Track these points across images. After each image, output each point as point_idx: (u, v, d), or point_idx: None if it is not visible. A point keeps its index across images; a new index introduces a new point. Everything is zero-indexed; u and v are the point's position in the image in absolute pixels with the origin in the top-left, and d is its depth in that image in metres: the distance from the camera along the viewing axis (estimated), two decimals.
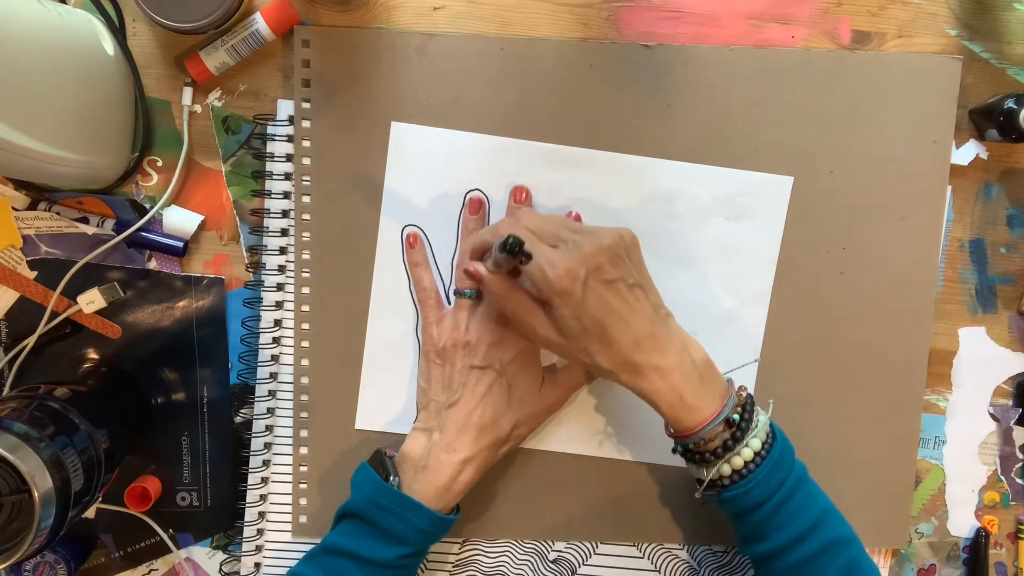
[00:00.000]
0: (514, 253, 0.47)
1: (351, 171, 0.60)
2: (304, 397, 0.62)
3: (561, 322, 0.51)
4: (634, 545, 0.64)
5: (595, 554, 0.64)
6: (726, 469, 0.52)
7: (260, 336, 0.62)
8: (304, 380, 0.62)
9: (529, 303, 0.53)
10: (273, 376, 0.62)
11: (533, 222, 0.53)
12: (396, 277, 0.61)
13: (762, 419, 0.52)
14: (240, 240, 0.62)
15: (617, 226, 0.52)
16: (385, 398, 0.62)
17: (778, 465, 0.52)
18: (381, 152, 0.60)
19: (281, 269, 0.62)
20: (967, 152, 0.63)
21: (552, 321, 0.52)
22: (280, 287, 0.62)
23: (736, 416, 0.52)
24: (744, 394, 0.53)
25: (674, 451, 0.55)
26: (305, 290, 0.61)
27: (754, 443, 0.51)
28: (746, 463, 0.51)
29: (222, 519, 0.64)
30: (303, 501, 0.63)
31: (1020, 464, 0.66)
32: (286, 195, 0.61)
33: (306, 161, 0.60)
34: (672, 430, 0.54)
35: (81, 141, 0.55)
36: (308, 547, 0.59)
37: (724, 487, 0.52)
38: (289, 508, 0.63)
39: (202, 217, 0.62)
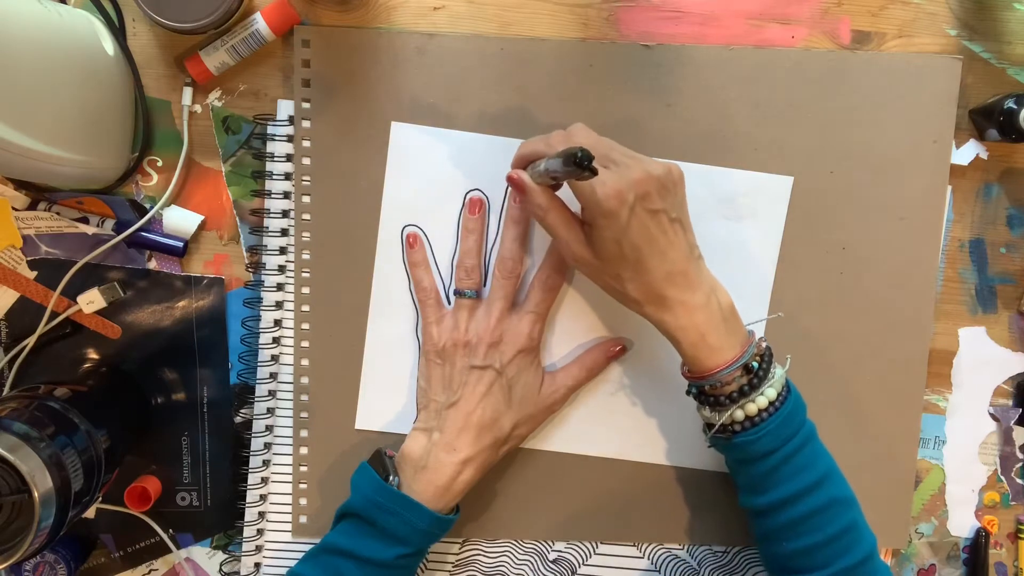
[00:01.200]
0: (583, 166, 0.45)
1: (351, 171, 0.60)
2: (304, 397, 0.62)
3: (600, 243, 0.51)
4: (634, 545, 0.64)
5: (595, 554, 0.64)
6: (739, 415, 0.52)
7: (260, 336, 0.62)
8: (304, 380, 0.62)
9: (570, 218, 0.53)
10: (273, 376, 0.62)
11: (588, 139, 0.52)
12: (396, 277, 0.61)
13: (779, 372, 0.53)
14: (240, 240, 0.62)
15: (667, 160, 0.52)
16: (385, 398, 0.62)
17: (790, 418, 0.52)
18: (381, 152, 0.60)
19: (281, 269, 0.62)
20: (967, 152, 0.63)
21: (590, 241, 0.52)
22: (280, 287, 0.62)
23: (755, 364, 0.52)
24: (764, 345, 0.53)
25: (688, 392, 0.55)
26: (305, 290, 0.61)
27: (769, 392, 0.51)
28: (760, 411, 0.51)
29: (222, 519, 0.64)
30: (303, 501, 0.63)
31: (1020, 464, 0.66)
32: (286, 195, 0.61)
33: (306, 161, 0.60)
34: (688, 370, 0.54)
35: (81, 141, 0.55)
36: (308, 547, 0.59)
37: (735, 432, 0.52)
38: (289, 508, 0.63)
39: (202, 217, 0.62)
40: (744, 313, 0.61)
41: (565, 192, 0.54)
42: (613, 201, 0.49)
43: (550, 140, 0.53)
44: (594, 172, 0.45)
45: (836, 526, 0.52)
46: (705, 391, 0.53)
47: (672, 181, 0.51)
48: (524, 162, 0.55)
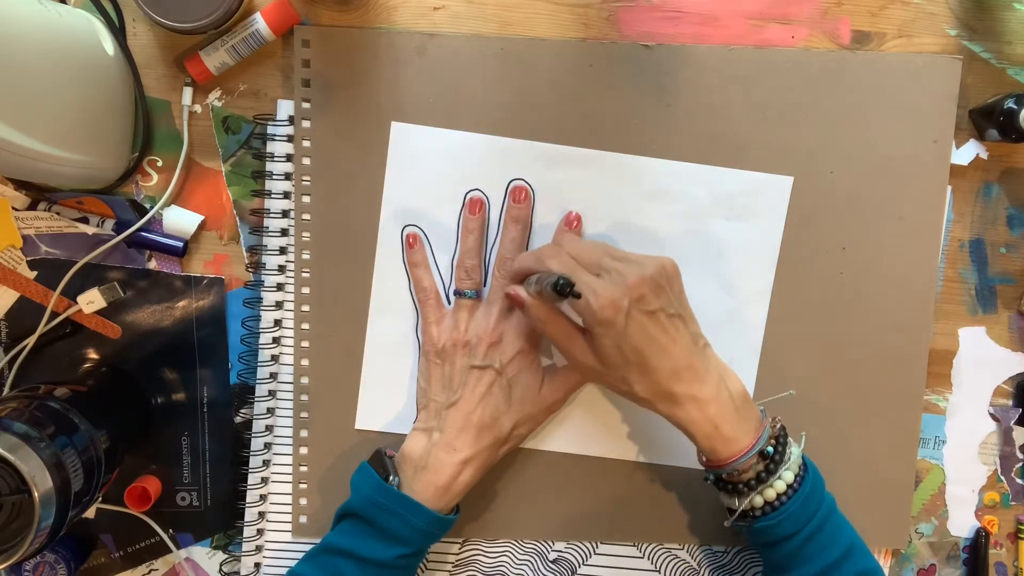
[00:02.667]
0: (565, 294, 0.47)
1: (351, 171, 0.60)
2: (304, 397, 0.62)
3: (602, 350, 0.52)
4: (634, 545, 0.64)
5: (595, 554, 0.64)
6: (758, 500, 0.52)
7: (260, 336, 0.62)
8: (304, 380, 0.62)
9: (570, 329, 0.54)
10: (273, 376, 0.62)
11: (576, 248, 0.53)
12: (396, 277, 0.61)
13: (795, 451, 0.53)
14: (240, 240, 0.62)
15: (658, 255, 0.52)
16: (385, 398, 0.62)
17: (810, 498, 0.52)
18: (381, 152, 0.60)
19: (281, 269, 0.62)
20: (967, 152, 0.63)
21: (592, 348, 0.52)
22: (280, 287, 0.62)
23: (770, 449, 0.52)
24: (778, 426, 0.54)
25: (705, 479, 0.55)
26: (305, 290, 0.61)
27: (787, 475, 0.52)
28: (778, 495, 0.52)
29: (222, 519, 0.64)
30: (303, 501, 0.63)
31: (1020, 464, 0.66)
32: (286, 195, 0.61)
33: (306, 161, 0.60)
34: (705, 459, 0.54)
35: (81, 141, 0.55)
36: (308, 547, 0.59)
37: (755, 517, 0.53)
38: (289, 508, 0.63)
39: (202, 217, 0.62)
40: (744, 314, 0.62)
41: None
42: (608, 311, 0.49)
43: (540, 255, 0.54)
44: (578, 296, 0.47)
45: None
46: (723, 479, 0.53)
47: (666, 277, 0.51)
48: (519, 277, 0.56)
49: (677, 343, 0.52)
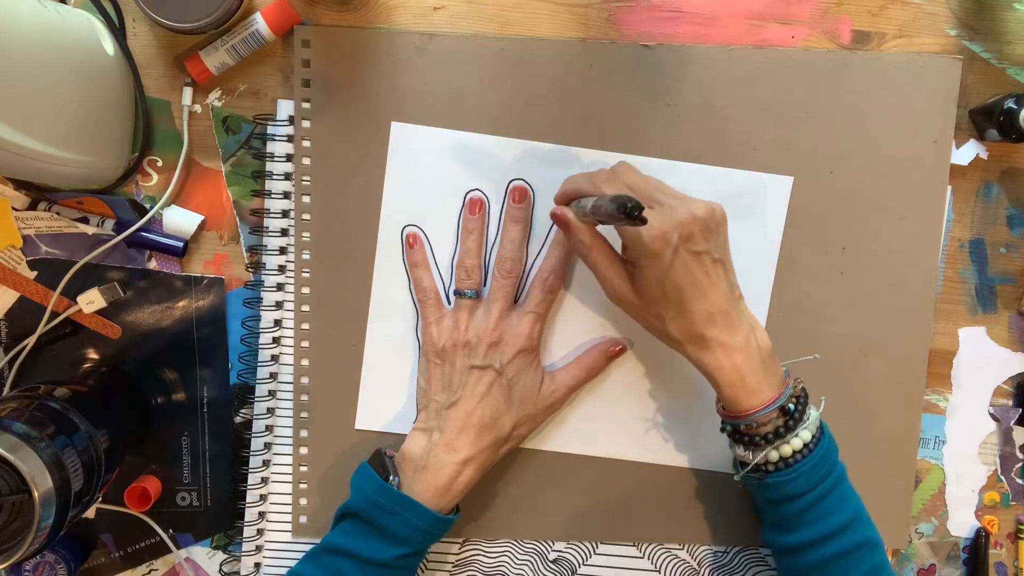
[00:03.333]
0: (633, 216, 0.45)
1: (351, 171, 0.60)
2: (304, 397, 0.62)
3: (643, 283, 0.51)
4: (634, 545, 0.64)
5: (595, 554, 0.64)
6: (773, 455, 0.52)
7: (260, 336, 0.62)
8: (304, 380, 0.62)
9: (613, 258, 0.53)
10: (273, 376, 0.62)
11: (632, 178, 0.52)
12: (396, 277, 0.61)
13: (813, 413, 0.53)
14: (240, 240, 0.62)
15: (710, 201, 0.52)
16: (385, 398, 0.62)
17: (823, 460, 0.52)
18: (381, 152, 0.60)
19: (281, 269, 0.62)
20: (967, 152, 0.63)
21: (633, 280, 0.52)
22: (280, 287, 0.62)
23: (791, 406, 0.52)
24: (800, 387, 0.54)
25: (722, 430, 0.55)
26: (305, 290, 0.61)
27: (804, 434, 0.52)
28: (794, 452, 0.52)
29: (222, 519, 0.64)
30: (303, 501, 0.63)
31: (1020, 464, 0.66)
32: (286, 195, 0.61)
33: (306, 161, 0.60)
34: (724, 408, 0.54)
35: (81, 141, 0.55)
36: (308, 547, 0.59)
37: (767, 472, 0.53)
38: (289, 508, 0.63)
39: (202, 217, 0.62)
40: None
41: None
42: (658, 243, 0.49)
43: (594, 179, 0.53)
44: (644, 221, 0.46)
45: (862, 568, 0.52)
46: (740, 430, 0.53)
47: (715, 221, 0.51)
48: (567, 198, 0.55)
49: (716, 287, 0.51)
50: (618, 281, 0.53)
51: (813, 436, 0.52)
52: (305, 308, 0.62)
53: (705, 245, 0.51)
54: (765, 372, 0.52)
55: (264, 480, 0.63)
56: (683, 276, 0.50)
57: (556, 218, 0.54)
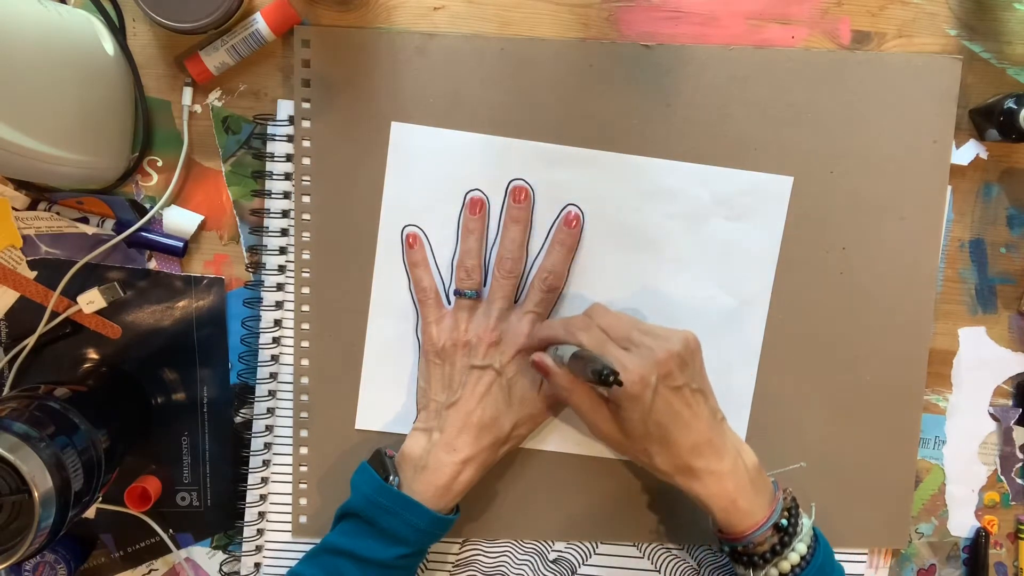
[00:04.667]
0: (608, 384, 0.47)
1: (351, 171, 0.60)
2: (304, 397, 0.62)
3: (626, 423, 0.52)
4: (634, 545, 0.64)
5: (595, 554, 0.64)
6: (773, 572, 0.53)
7: (260, 336, 0.62)
8: (304, 380, 0.62)
9: (594, 399, 0.54)
10: (273, 376, 0.62)
11: (606, 321, 0.54)
12: (396, 277, 0.61)
13: (806, 523, 0.54)
14: (240, 240, 0.62)
15: (680, 329, 0.53)
16: (385, 398, 0.62)
17: (821, 570, 0.53)
18: (381, 152, 0.60)
19: (281, 269, 0.62)
20: (967, 152, 0.63)
21: (616, 420, 0.53)
22: (280, 287, 0.62)
23: (784, 521, 0.53)
24: (790, 498, 0.55)
25: (720, 550, 0.56)
26: (305, 290, 0.61)
27: (800, 547, 0.53)
28: (792, 567, 0.52)
29: (222, 519, 0.64)
30: (303, 501, 0.63)
31: (1020, 464, 0.66)
32: (286, 195, 0.61)
33: (306, 161, 0.60)
34: (720, 532, 0.55)
35: (81, 141, 0.55)
36: (308, 547, 0.59)
37: None
38: (289, 508, 0.63)
39: (202, 217, 0.62)
40: (744, 314, 0.62)
41: None
42: (637, 386, 0.50)
43: (569, 327, 0.54)
44: (620, 384, 0.47)
45: None
46: (739, 551, 0.54)
47: (690, 352, 0.52)
48: (545, 343, 0.56)
49: (699, 418, 0.52)
50: (602, 422, 0.54)
51: (809, 547, 0.53)
52: (305, 308, 0.62)
53: (683, 379, 0.51)
54: (755, 492, 0.53)
55: (264, 480, 0.63)
56: (665, 413, 0.51)
57: (536, 364, 0.55)
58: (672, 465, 0.53)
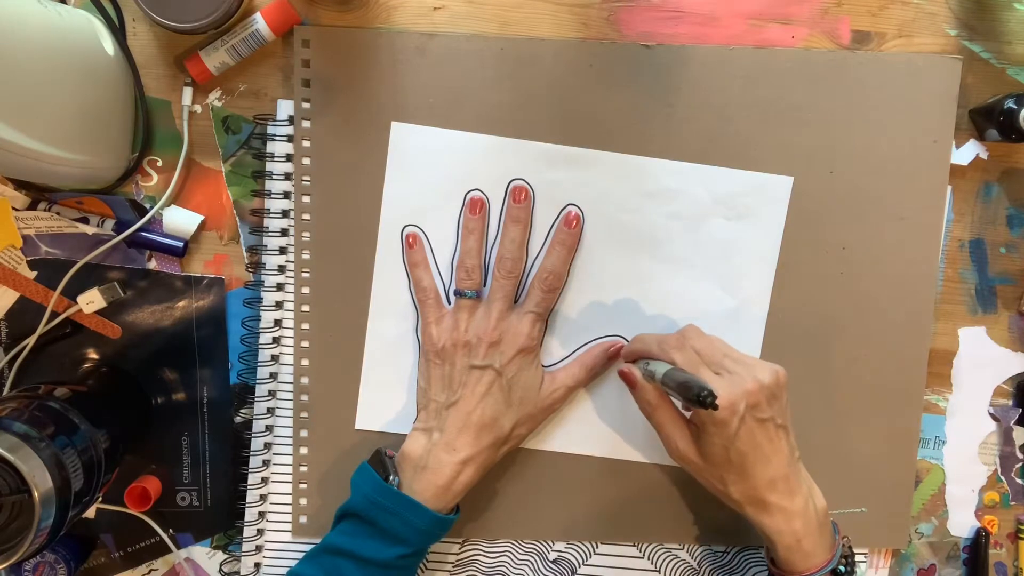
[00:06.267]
0: (706, 406, 0.47)
1: (351, 171, 0.60)
2: (304, 397, 0.62)
3: (708, 447, 0.52)
4: (634, 545, 0.64)
5: (595, 554, 0.64)
6: None
7: (260, 336, 0.62)
8: (304, 380, 0.62)
9: (677, 419, 0.54)
10: (273, 376, 0.62)
11: (700, 343, 0.53)
12: (396, 277, 0.61)
13: (861, 570, 0.54)
14: (240, 240, 0.62)
15: (774, 363, 0.53)
16: (385, 398, 0.62)
17: None
18: (381, 152, 0.60)
19: (281, 269, 0.62)
20: (967, 152, 0.63)
21: (697, 443, 0.53)
22: (280, 287, 0.62)
23: (842, 567, 0.53)
24: (848, 545, 0.55)
25: None
26: (305, 290, 0.61)
27: None
28: None
29: (222, 519, 0.64)
30: (303, 501, 0.63)
31: (1020, 464, 0.66)
32: (286, 195, 0.61)
33: (306, 161, 0.60)
34: (775, 565, 0.55)
35: (81, 141, 0.55)
36: (308, 547, 0.59)
37: None
38: (289, 508, 0.63)
39: (202, 217, 0.62)
40: (744, 314, 0.62)
41: None
42: (725, 411, 0.50)
43: (664, 344, 0.54)
44: (716, 408, 0.47)
45: None
46: None
47: (779, 387, 0.52)
48: (635, 356, 0.56)
49: (779, 453, 0.52)
50: (683, 443, 0.54)
51: None
52: (305, 308, 0.62)
53: (770, 412, 0.51)
54: (820, 535, 0.53)
55: (264, 480, 0.63)
56: (748, 443, 0.51)
57: (624, 375, 0.55)
58: (745, 496, 0.53)
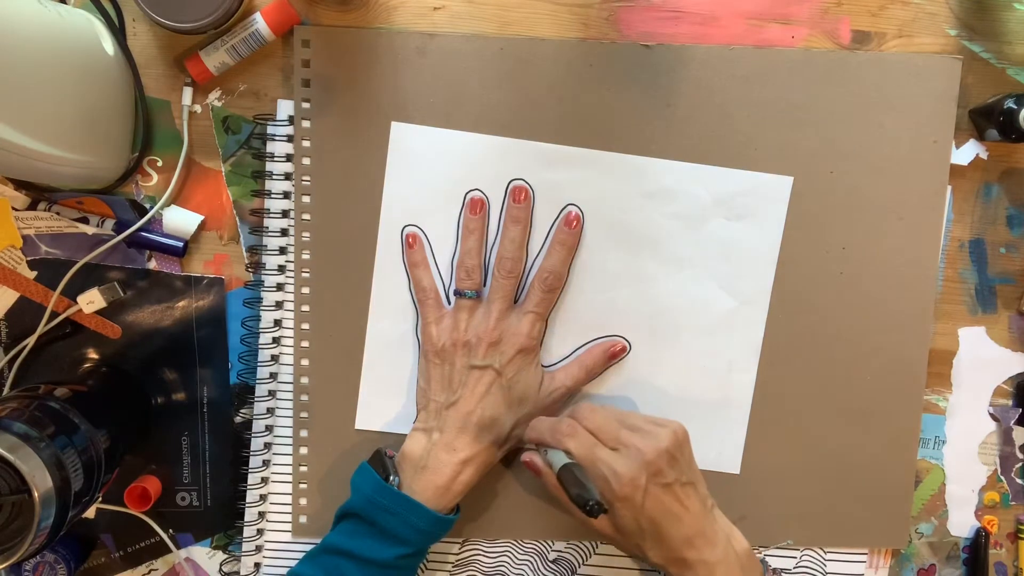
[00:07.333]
0: (595, 515, 0.47)
1: (351, 171, 0.60)
2: (304, 397, 0.62)
3: (619, 521, 0.53)
4: None
5: (595, 554, 0.64)
6: None
7: (260, 336, 0.62)
8: (304, 380, 0.62)
9: None
10: (273, 376, 0.62)
11: (593, 423, 0.54)
12: (396, 277, 0.61)
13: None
14: (240, 240, 0.62)
15: (668, 420, 0.54)
16: (385, 398, 0.62)
17: None
18: (381, 152, 0.60)
19: (281, 269, 0.62)
20: (967, 152, 0.63)
21: (609, 517, 0.53)
22: (280, 287, 0.62)
23: None
24: None
25: None
26: (305, 290, 0.61)
27: None
28: None
29: (222, 519, 0.64)
30: (303, 501, 0.63)
31: (1020, 464, 0.66)
32: (286, 195, 0.61)
33: (306, 161, 0.60)
34: None
35: (81, 141, 0.55)
36: (308, 547, 0.59)
37: None
38: (289, 508, 0.63)
39: (202, 217, 0.62)
40: (744, 314, 0.62)
41: None
42: (627, 488, 0.51)
43: (556, 433, 0.54)
44: (605, 512, 0.48)
45: None
46: None
47: (678, 446, 0.53)
48: (535, 443, 0.56)
49: (689, 511, 0.53)
50: (597, 522, 0.54)
51: None
52: (305, 308, 0.62)
53: (673, 475, 0.52)
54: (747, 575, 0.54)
55: (264, 480, 0.63)
56: (656, 510, 0.52)
57: (528, 465, 0.56)
58: (665, 558, 0.53)
